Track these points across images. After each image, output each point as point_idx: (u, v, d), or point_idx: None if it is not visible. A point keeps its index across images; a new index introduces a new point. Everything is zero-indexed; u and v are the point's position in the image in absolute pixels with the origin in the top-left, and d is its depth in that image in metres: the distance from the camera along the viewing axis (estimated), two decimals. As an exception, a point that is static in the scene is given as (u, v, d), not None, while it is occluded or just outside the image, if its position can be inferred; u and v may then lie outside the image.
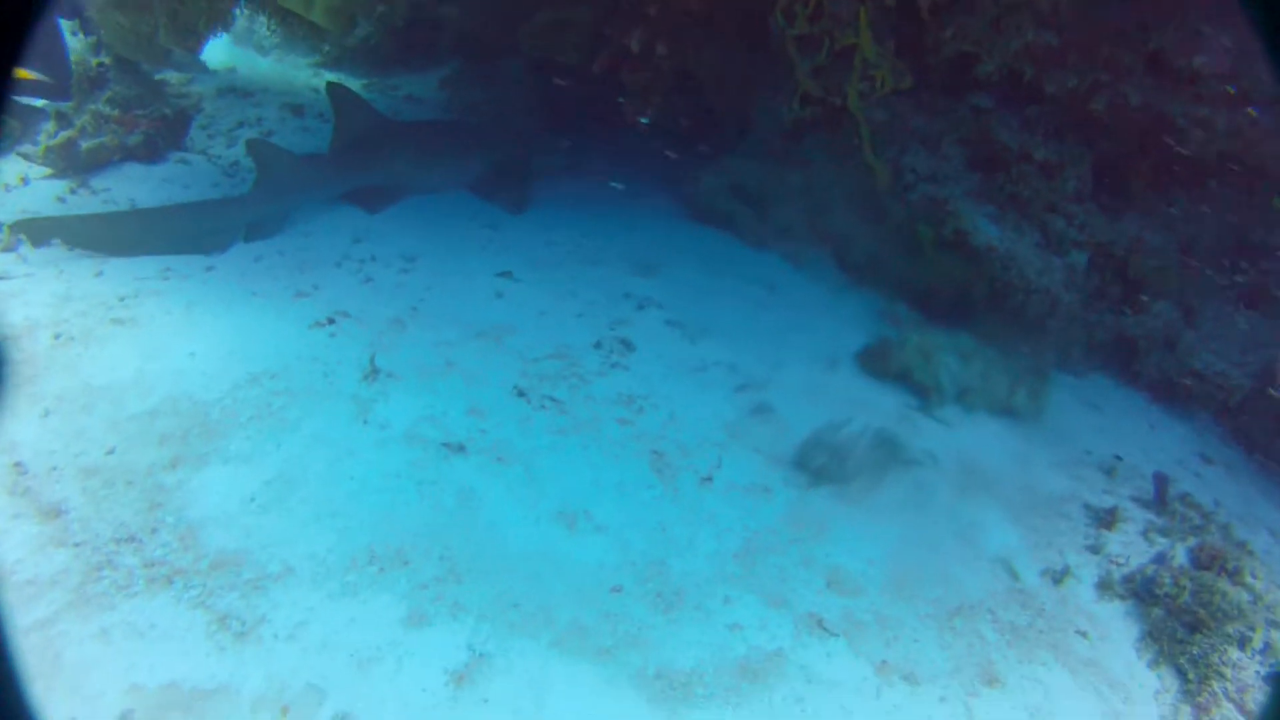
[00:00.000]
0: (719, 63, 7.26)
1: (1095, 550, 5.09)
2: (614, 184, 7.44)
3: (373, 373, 5.04)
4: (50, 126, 6.27)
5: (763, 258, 7.36)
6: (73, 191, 6.20)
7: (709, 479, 4.85)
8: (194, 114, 7.50)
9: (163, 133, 6.68)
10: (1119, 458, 5.99)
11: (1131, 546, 5.23)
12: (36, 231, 5.59)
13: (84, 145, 6.27)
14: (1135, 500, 5.67)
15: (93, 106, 6.43)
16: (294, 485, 4.33)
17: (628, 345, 5.82)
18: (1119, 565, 5.02)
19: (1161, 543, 5.27)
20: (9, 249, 5.41)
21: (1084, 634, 4.52)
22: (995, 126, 6.55)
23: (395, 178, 6.94)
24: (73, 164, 6.27)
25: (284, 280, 5.77)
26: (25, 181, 6.22)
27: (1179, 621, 4.65)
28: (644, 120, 7.23)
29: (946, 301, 6.78)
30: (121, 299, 5.32)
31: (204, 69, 8.46)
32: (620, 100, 7.42)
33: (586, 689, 3.64)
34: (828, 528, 4.72)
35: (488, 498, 4.46)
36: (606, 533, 4.39)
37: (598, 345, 5.73)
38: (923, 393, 5.95)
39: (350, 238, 6.36)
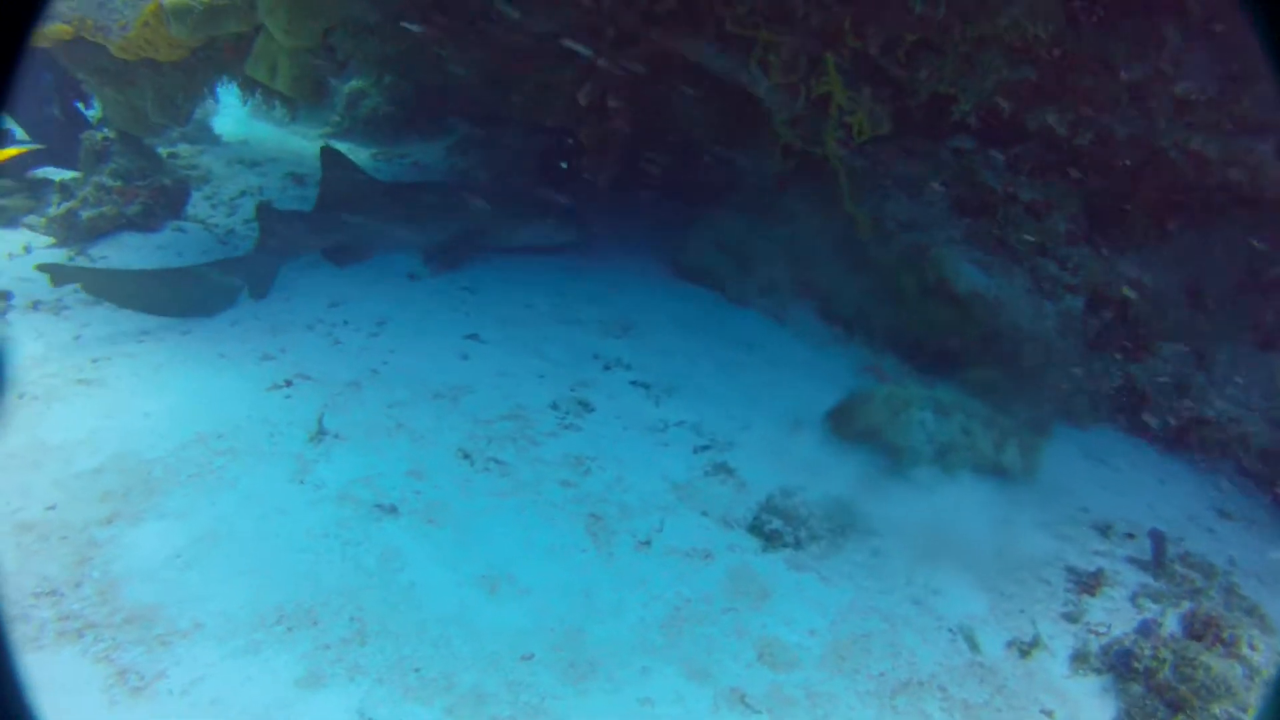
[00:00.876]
0: (689, 118, 7.18)
1: (1073, 618, 4.66)
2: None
3: (319, 434, 5.02)
4: (55, 198, 6.60)
5: (745, 315, 7.16)
6: (70, 259, 6.43)
7: (647, 543, 4.63)
8: (198, 184, 7.82)
9: (161, 202, 6.90)
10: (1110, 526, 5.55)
11: (1117, 614, 4.78)
12: (60, 275, 5.93)
13: (84, 215, 6.52)
14: (1131, 561, 5.22)
15: (95, 179, 6.73)
16: (220, 542, 4.30)
17: (586, 406, 5.68)
18: (1099, 635, 4.58)
19: (1152, 609, 4.80)
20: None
21: (1049, 714, 4.11)
22: (978, 168, 6.26)
23: (362, 236, 7.13)
24: (74, 233, 6.51)
25: (254, 343, 5.82)
26: (28, 250, 6.50)
27: (1160, 699, 4.20)
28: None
29: (935, 353, 6.47)
30: (94, 361, 5.43)
31: (217, 141, 8.84)
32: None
33: (474, 765, 3.47)
34: (770, 596, 4.43)
35: (412, 559, 4.35)
36: (528, 597, 4.21)
37: (554, 406, 5.60)
38: (893, 453, 5.64)
39: (327, 302, 6.42)
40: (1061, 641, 4.50)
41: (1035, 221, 6.19)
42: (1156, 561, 5.10)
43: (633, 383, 6.03)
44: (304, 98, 5.59)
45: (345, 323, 6.21)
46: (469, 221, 7.22)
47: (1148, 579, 5.02)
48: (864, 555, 4.78)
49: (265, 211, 6.88)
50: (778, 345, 6.72)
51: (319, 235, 6.92)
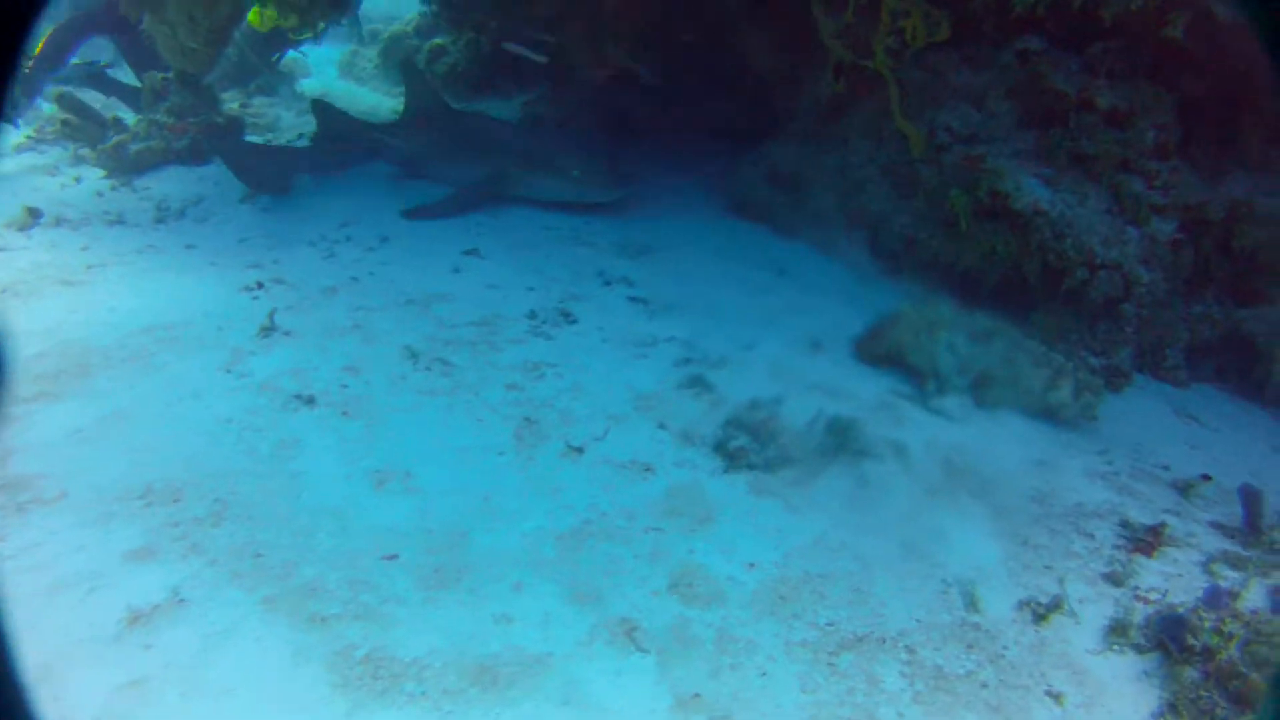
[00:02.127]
0: (745, 43, 6.27)
1: (1117, 580, 3.37)
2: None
3: (268, 329, 4.48)
4: (111, 132, 6.55)
5: (790, 246, 6.12)
6: (113, 189, 6.23)
7: (579, 450, 3.73)
8: (263, 130, 7.64)
9: (210, 139, 6.77)
10: (1207, 477, 4.13)
11: (1180, 579, 3.44)
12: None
13: (133, 148, 6.35)
14: (1214, 527, 3.82)
15: (150, 115, 6.65)
16: (124, 421, 3.75)
17: (567, 317, 4.83)
18: (1148, 602, 3.29)
19: (1230, 577, 3.43)
20: (24, 228, 5.52)
21: (1057, 697, 2.89)
22: (1047, 71, 4.99)
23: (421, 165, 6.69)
24: (122, 165, 6.38)
25: (251, 256, 5.35)
26: (79, 180, 6.45)
27: (1219, 689, 2.90)
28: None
29: (995, 289, 5.20)
30: (89, 267, 5.07)
31: (299, 97, 8.73)
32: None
33: (270, 659, 2.70)
34: (713, 520, 3.42)
35: (308, 449, 3.65)
36: (416, 496, 3.42)
37: (531, 315, 4.77)
38: (920, 379, 4.48)
39: (339, 220, 5.96)
40: (1095, 608, 3.24)
41: (1117, 132, 4.86)
42: (1249, 524, 3.70)
43: (631, 298, 5.12)
44: (298, 21, 5.18)
45: (348, 239, 5.60)
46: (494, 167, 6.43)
47: (1232, 545, 3.64)
48: (849, 484, 3.67)
49: (320, 107, 6.87)
50: (817, 273, 5.63)
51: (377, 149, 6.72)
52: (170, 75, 6.69)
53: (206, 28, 5.73)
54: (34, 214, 5.56)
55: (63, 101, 6.62)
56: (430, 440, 3.78)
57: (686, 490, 3.56)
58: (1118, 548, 3.58)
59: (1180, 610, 3.10)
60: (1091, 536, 3.64)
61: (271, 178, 6.25)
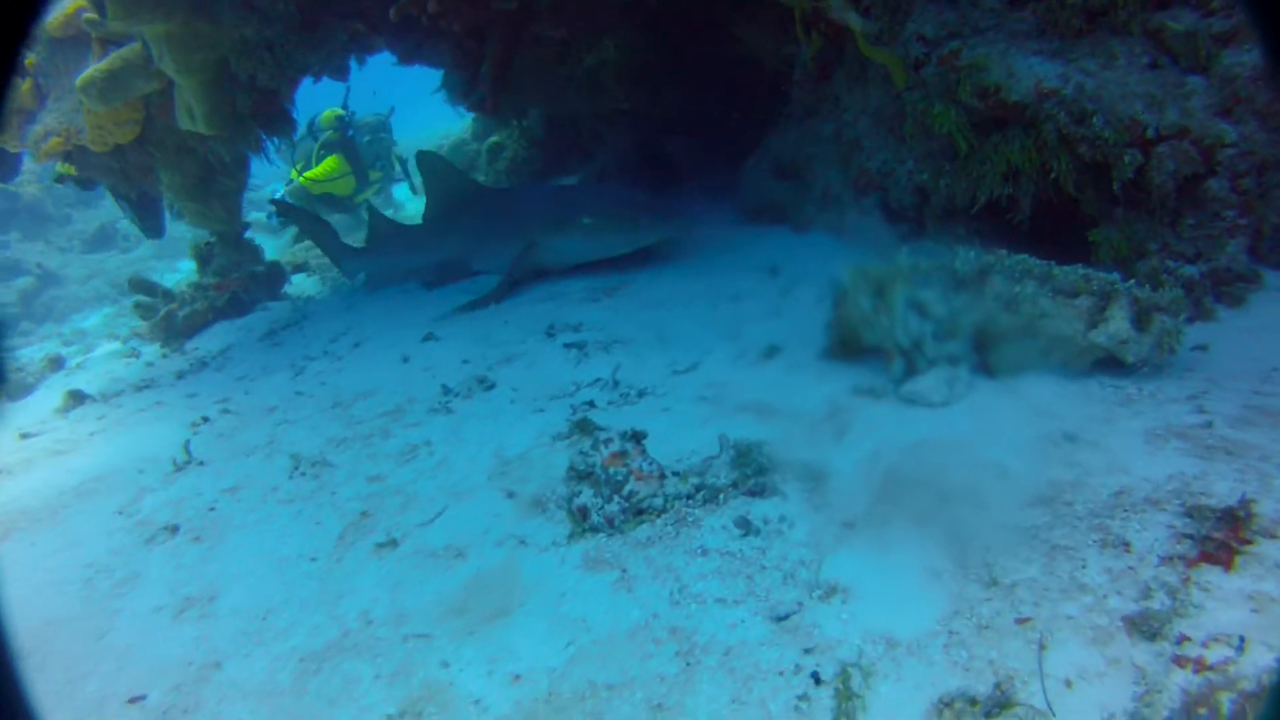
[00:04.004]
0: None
1: (1149, 627, 1.93)
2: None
3: (185, 462, 4.19)
4: (160, 304, 6.93)
5: (802, 239, 4.99)
6: (164, 357, 6.48)
7: (394, 543, 2.88)
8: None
9: (251, 289, 6.95)
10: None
11: (1265, 614, 1.91)
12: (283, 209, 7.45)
13: (180, 314, 6.68)
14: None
15: (196, 280, 6.99)
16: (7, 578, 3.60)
17: (483, 383, 4.06)
18: (1198, 669, 1.81)
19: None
20: (66, 410, 5.84)
21: None
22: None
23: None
24: (173, 333, 6.69)
25: (230, 391, 5.21)
26: (139, 356, 6.85)
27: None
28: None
29: (1029, 215, 3.75)
30: (91, 435, 5.04)
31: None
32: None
33: None
34: (509, 612, 2.38)
35: (143, 583, 3.11)
36: (206, 622, 2.75)
37: (445, 391, 4.11)
38: (886, 363, 3.17)
39: (331, 336, 5.68)
40: (1094, 692, 1.84)
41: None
42: None
43: (566, 345, 4.26)
44: (222, 131, 5.09)
45: (325, 354, 5.29)
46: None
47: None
48: (721, 539, 2.54)
49: (375, 217, 6.83)
50: (818, 262, 4.46)
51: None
52: (213, 240, 7.07)
53: (222, 205, 5.97)
54: (77, 398, 5.89)
55: (133, 284, 7.18)
56: (256, 556, 3.16)
57: (494, 576, 2.61)
58: (1169, 560, 2.11)
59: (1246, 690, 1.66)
60: (1126, 546, 2.20)
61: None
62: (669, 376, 3.70)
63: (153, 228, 6.90)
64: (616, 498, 2.68)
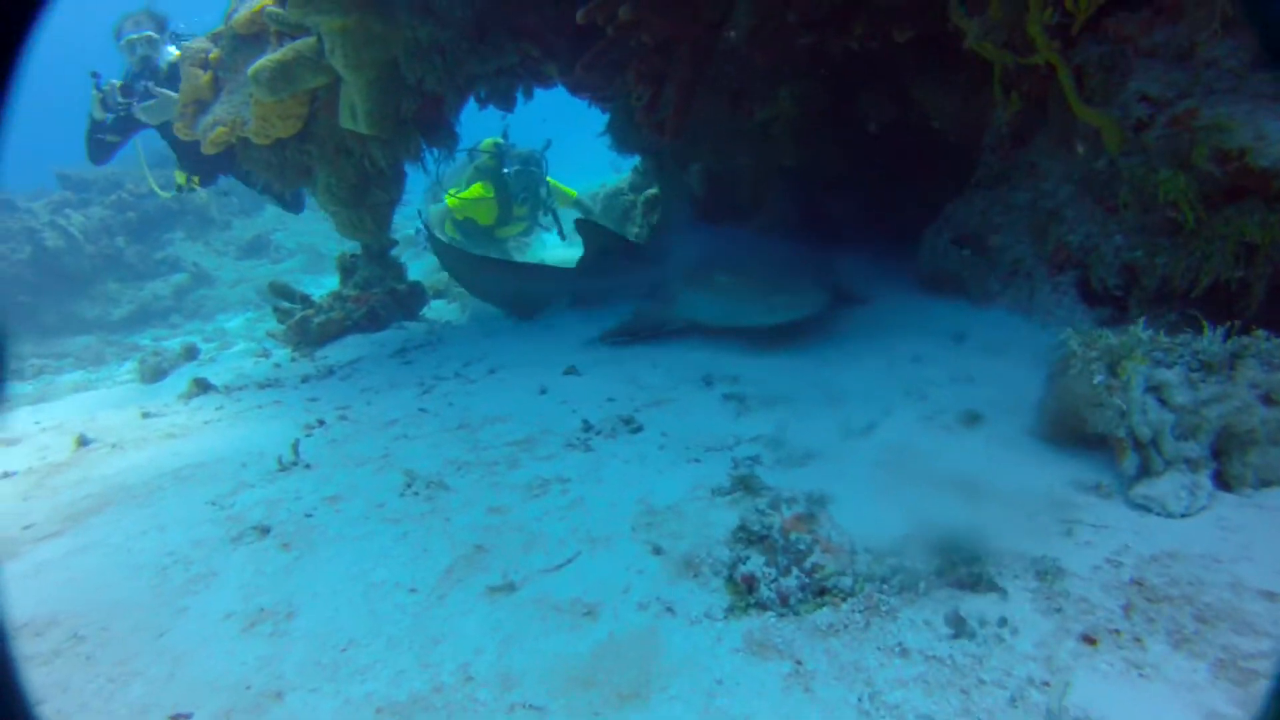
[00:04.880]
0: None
1: None
2: None
3: (292, 463, 3.86)
4: (298, 309, 6.82)
5: (984, 313, 4.33)
6: (293, 360, 6.37)
7: (511, 586, 2.39)
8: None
9: (389, 305, 6.78)
10: None
11: None
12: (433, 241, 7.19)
13: (315, 321, 6.57)
14: None
15: (337, 289, 6.87)
16: (84, 554, 3.18)
17: (630, 424, 3.55)
18: None
19: None
20: (190, 397, 5.72)
21: None
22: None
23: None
24: (306, 339, 6.57)
25: (351, 400, 4.96)
26: (269, 356, 6.76)
27: None
28: None
29: (1261, 299, 3.03)
30: (205, 423, 4.91)
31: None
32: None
33: None
34: (644, 697, 1.86)
35: (219, 583, 2.76)
36: (278, 640, 2.36)
37: (585, 428, 3.63)
38: (1118, 454, 2.48)
39: (465, 360, 5.39)
40: None
41: None
42: None
43: (726, 396, 3.75)
44: (383, 132, 4.89)
45: (456, 375, 4.95)
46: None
47: None
48: (925, 638, 1.93)
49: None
50: (1007, 334, 3.83)
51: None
52: (359, 253, 6.98)
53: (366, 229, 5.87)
54: (202, 385, 5.77)
55: (274, 288, 7.15)
56: (347, 576, 2.73)
57: (630, 645, 2.07)
58: None
59: None
60: None
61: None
62: (841, 438, 3.13)
63: (294, 204, 6.96)
64: (796, 570, 2.10)
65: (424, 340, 6.24)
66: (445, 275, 8.41)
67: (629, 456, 3.27)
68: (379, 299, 6.71)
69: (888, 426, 3.11)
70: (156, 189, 7.67)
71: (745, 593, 2.16)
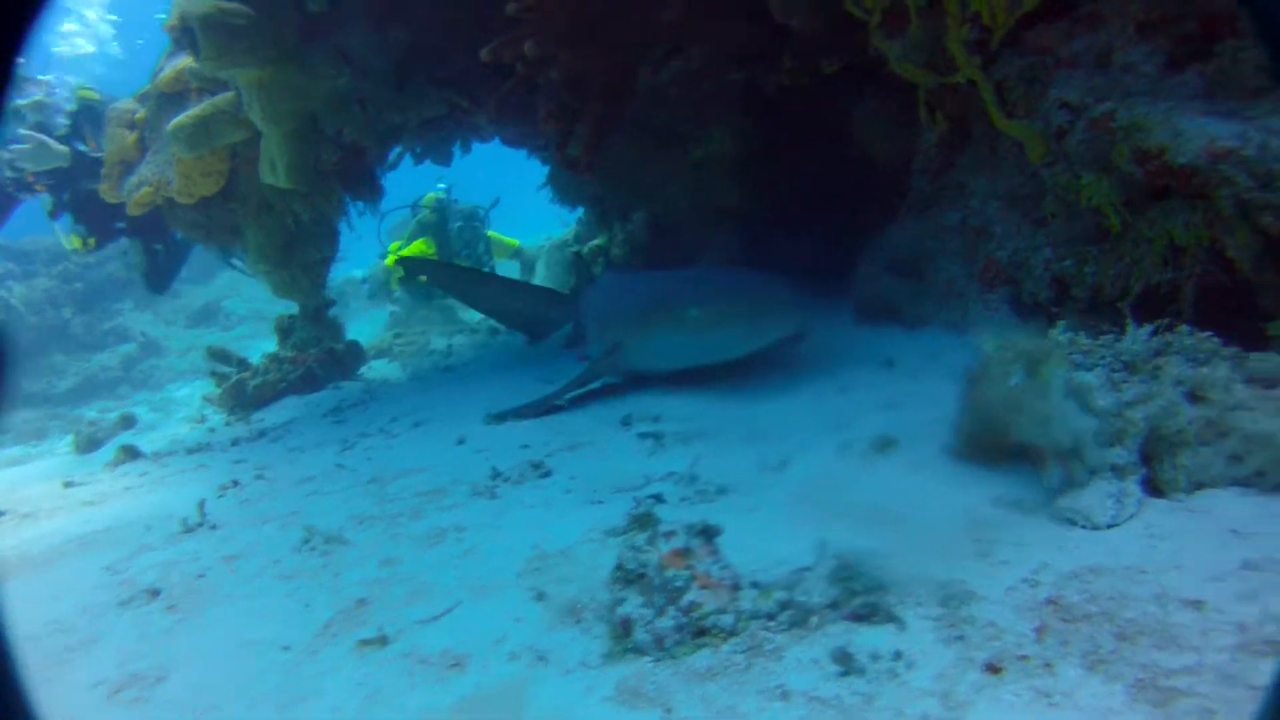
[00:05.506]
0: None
1: None
2: None
3: (198, 524, 3.69)
4: (234, 373, 6.68)
5: (918, 336, 4.28)
6: (228, 424, 6.21)
7: (383, 640, 2.22)
8: (418, 354, 7.55)
9: (327, 366, 6.64)
10: None
11: None
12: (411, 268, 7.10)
13: (251, 384, 6.43)
14: None
15: (274, 352, 6.74)
16: None
17: (539, 469, 3.43)
18: None
19: None
20: (116, 465, 5.53)
21: None
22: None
23: None
24: (242, 402, 6.40)
25: (270, 460, 4.82)
26: (205, 421, 6.58)
27: None
28: None
29: (1194, 302, 2.98)
30: (126, 489, 4.78)
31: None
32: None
33: None
34: None
35: (99, 649, 2.57)
36: (139, 707, 2.18)
37: (494, 475, 3.47)
38: (1040, 465, 2.39)
39: (393, 416, 5.25)
40: None
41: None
42: None
43: (643, 434, 3.64)
44: (302, 185, 4.82)
45: (381, 431, 4.82)
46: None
47: None
48: (811, 678, 1.78)
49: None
50: (938, 358, 3.75)
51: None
52: (296, 314, 6.88)
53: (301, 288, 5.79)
54: (130, 453, 5.58)
55: (212, 353, 7.00)
56: (225, 636, 2.55)
57: (495, 697, 1.90)
58: None
59: None
60: None
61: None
62: (758, 473, 3.01)
63: (157, 284, 6.77)
64: (672, 609, 1.96)
65: (359, 399, 6.10)
66: (390, 334, 8.30)
67: (533, 502, 3.13)
68: (316, 359, 6.58)
69: (805, 459, 2.99)
70: (66, 242, 7.42)
71: (623, 636, 2.01)
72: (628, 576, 2.08)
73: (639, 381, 4.61)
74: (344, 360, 6.76)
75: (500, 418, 4.37)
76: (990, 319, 3.77)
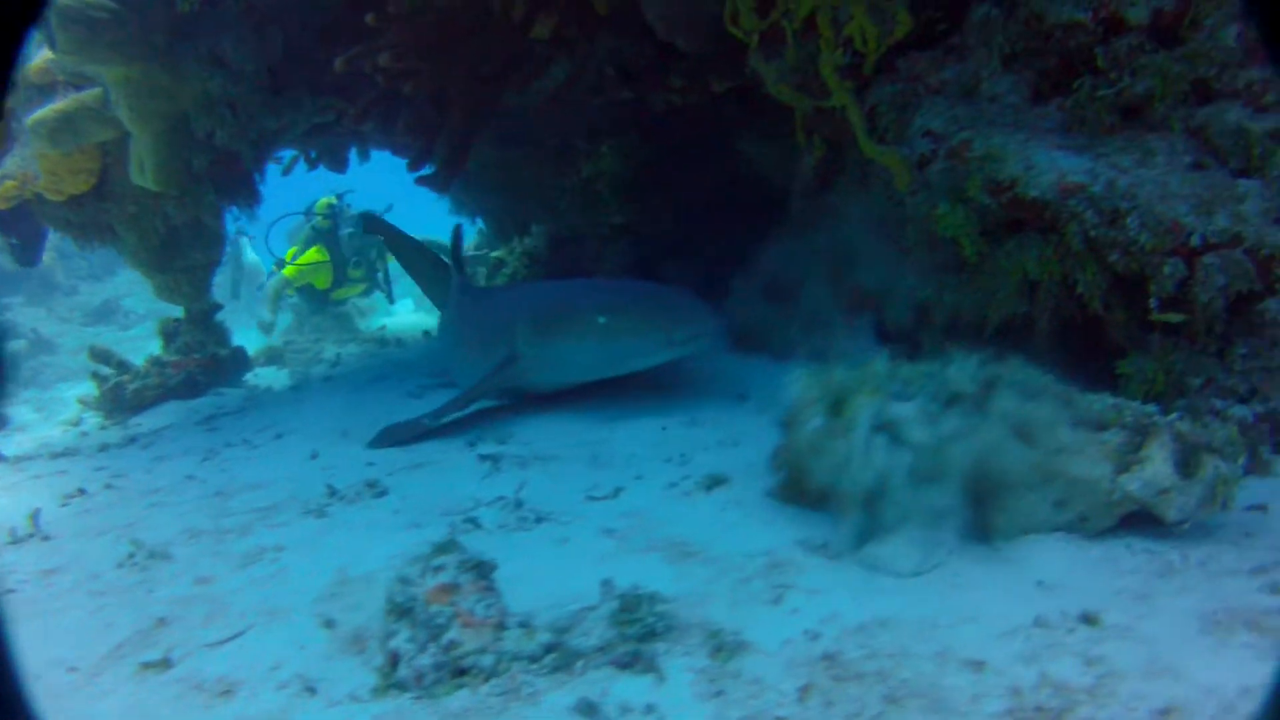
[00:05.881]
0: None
1: None
2: None
3: (28, 534, 3.51)
4: (112, 374, 6.46)
5: (784, 367, 4.35)
6: (102, 428, 6.02)
7: (166, 663, 2.22)
8: (310, 362, 7.41)
9: (210, 372, 6.47)
10: None
11: None
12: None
13: (130, 388, 6.22)
14: None
15: (157, 356, 6.55)
16: None
17: (374, 488, 3.34)
18: None
19: None
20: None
21: None
22: (1038, 3, 3.17)
23: None
24: (119, 406, 6.18)
25: (127, 468, 4.68)
26: (80, 424, 6.36)
27: None
28: None
29: (1048, 334, 3.09)
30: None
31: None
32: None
33: None
34: None
35: None
36: None
37: (330, 493, 3.35)
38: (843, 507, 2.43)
39: (263, 425, 5.11)
40: None
41: (1169, 48, 2.87)
42: None
43: (482, 457, 3.59)
44: (172, 189, 4.70)
45: (245, 442, 4.73)
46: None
47: None
48: None
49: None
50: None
51: None
52: (180, 318, 6.68)
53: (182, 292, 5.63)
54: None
55: (93, 353, 6.74)
56: (20, 655, 2.51)
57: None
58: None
59: None
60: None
61: None
62: (582, 502, 2.98)
63: (25, 257, 6.42)
64: (433, 647, 1.93)
65: (237, 407, 5.92)
66: (283, 341, 8.14)
67: (358, 523, 3.07)
68: (198, 365, 6.38)
69: (634, 492, 2.96)
70: None
71: (390, 672, 1.99)
72: (398, 609, 2.05)
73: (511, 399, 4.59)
74: (227, 366, 6.57)
75: (376, 443, 4.08)
76: (854, 347, 3.84)
